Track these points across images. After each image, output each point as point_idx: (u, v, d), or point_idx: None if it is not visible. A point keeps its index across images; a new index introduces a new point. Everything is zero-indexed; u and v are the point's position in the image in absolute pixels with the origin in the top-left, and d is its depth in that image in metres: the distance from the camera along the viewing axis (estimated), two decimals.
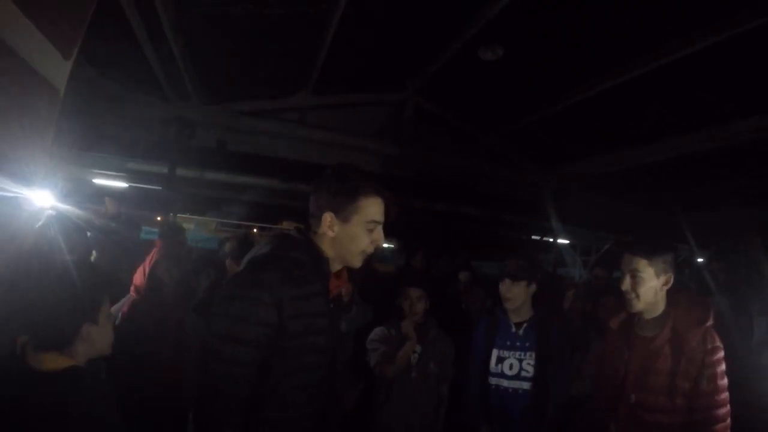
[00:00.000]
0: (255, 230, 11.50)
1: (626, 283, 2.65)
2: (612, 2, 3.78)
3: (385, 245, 9.13)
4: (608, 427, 2.76)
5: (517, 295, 3.52)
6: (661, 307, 2.70)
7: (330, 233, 2.12)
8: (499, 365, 3.60)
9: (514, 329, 3.61)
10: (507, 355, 3.58)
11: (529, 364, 3.53)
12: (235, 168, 6.07)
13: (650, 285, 2.63)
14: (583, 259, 10.49)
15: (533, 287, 3.60)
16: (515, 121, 6.27)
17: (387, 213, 2.18)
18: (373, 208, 2.12)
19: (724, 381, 2.53)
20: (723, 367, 2.54)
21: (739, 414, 2.62)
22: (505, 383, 3.57)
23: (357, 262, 2.21)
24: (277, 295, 1.97)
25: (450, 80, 5.51)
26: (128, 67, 4.64)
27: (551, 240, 8.91)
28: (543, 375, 3.44)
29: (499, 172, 7.22)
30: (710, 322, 2.57)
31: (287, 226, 10.47)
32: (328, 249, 2.16)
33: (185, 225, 9.57)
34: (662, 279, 2.64)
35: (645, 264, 2.62)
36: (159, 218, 7.89)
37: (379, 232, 2.17)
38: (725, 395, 2.52)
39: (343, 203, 2.10)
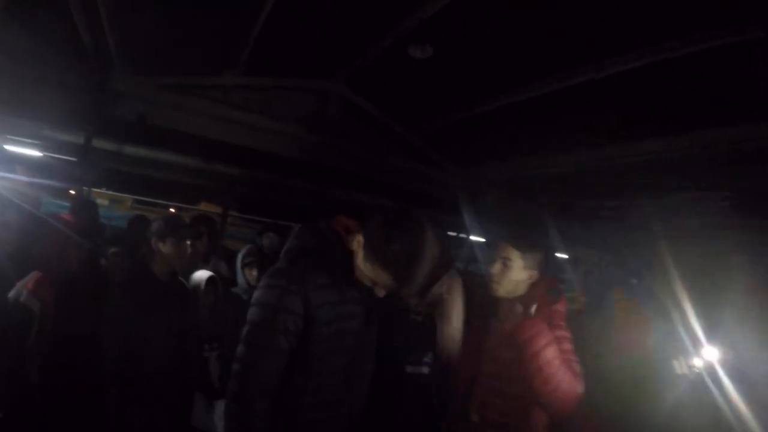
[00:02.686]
0: (172, 210, 11.22)
1: (496, 268, 2.83)
2: (539, 18, 3.96)
3: None
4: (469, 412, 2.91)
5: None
6: (519, 293, 2.88)
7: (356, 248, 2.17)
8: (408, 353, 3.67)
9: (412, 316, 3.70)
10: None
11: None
12: (154, 144, 5.93)
13: (516, 275, 2.82)
14: None
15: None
16: (438, 121, 6.39)
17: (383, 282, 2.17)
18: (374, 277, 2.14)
19: (571, 355, 2.70)
20: (568, 345, 2.72)
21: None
22: (407, 369, 3.65)
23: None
24: (303, 285, 2.13)
25: (378, 74, 5.56)
26: (52, 25, 4.43)
27: (465, 237, 9.09)
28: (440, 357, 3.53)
29: (418, 169, 7.31)
30: (559, 306, 2.80)
31: (206, 207, 10.33)
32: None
33: (99, 201, 9.29)
34: (528, 273, 2.83)
35: (517, 255, 2.81)
36: (72, 192, 7.65)
37: (376, 289, 2.18)
38: (566, 374, 2.63)
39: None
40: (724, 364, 2.24)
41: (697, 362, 2.78)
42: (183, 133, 5.62)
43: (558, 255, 8.41)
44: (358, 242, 2.15)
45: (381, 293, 2.18)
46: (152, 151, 6.18)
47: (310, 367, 2.17)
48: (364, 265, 2.13)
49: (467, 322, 3.21)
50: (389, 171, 6.96)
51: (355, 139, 6.65)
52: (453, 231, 9.57)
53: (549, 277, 3.81)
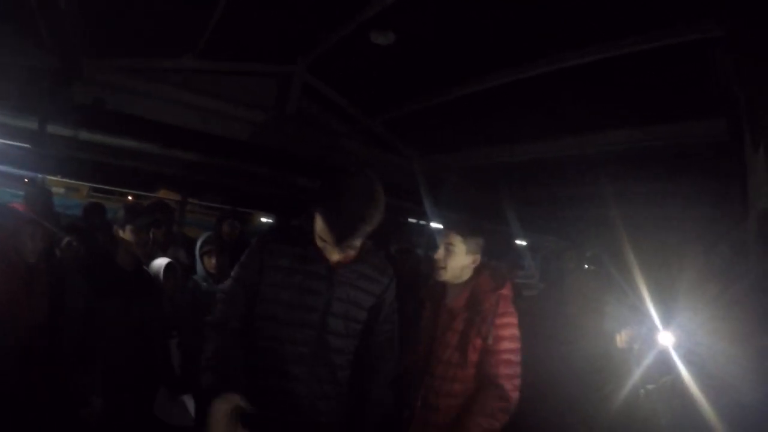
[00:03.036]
0: (130, 198, 11.01)
1: (440, 253, 2.93)
2: (501, 9, 4.02)
3: (264, 219, 9.04)
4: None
5: None
6: (464, 278, 2.97)
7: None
8: None
9: None
10: None
11: None
12: (112, 129, 5.79)
13: (460, 260, 2.92)
14: None
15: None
16: (399, 108, 6.42)
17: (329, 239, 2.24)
18: (319, 226, 2.23)
19: (513, 345, 2.79)
20: (513, 331, 2.81)
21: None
22: None
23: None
24: (265, 245, 2.37)
25: (340, 60, 5.56)
26: (5, 4, 4.24)
27: (426, 224, 9.15)
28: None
29: (379, 156, 7.34)
30: (504, 290, 2.85)
31: (165, 194, 10.16)
32: None
33: (55, 189, 9.08)
34: (471, 258, 2.94)
35: (459, 240, 2.90)
36: (26, 180, 7.47)
37: (327, 248, 2.30)
38: (511, 357, 2.76)
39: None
40: (678, 347, 2.30)
41: (637, 339, 2.87)
42: (141, 118, 5.48)
43: (517, 242, 8.52)
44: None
45: (333, 256, 2.32)
46: (110, 137, 6.03)
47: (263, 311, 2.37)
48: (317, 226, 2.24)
49: (421, 306, 3.27)
50: (350, 157, 6.93)
51: (316, 125, 6.63)
52: (414, 218, 9.63)
53: (497, 262, 3.92)
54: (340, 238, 2.18)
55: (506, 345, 2.75)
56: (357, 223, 2.17)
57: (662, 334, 2.48)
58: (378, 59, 5.22)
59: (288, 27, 4.94)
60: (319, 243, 2.27)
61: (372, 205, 2.20)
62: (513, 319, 2.83)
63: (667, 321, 2.52)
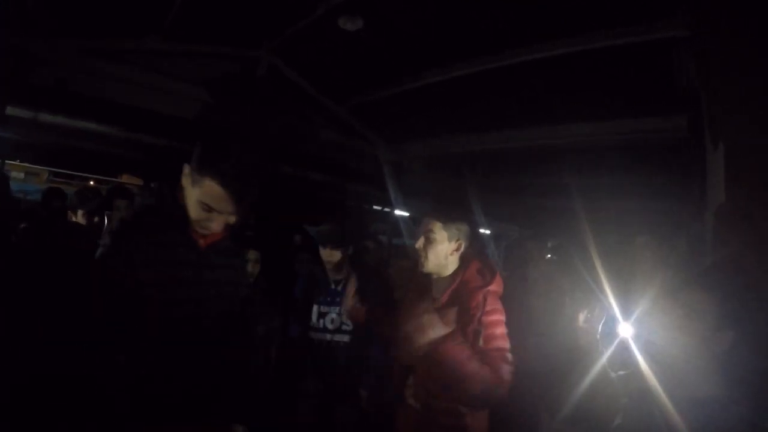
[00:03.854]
0: (92, 182, 10.82)
1: (420, 243, 2.85)
2: (468, 3, 4.05)
3: None
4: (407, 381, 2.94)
5: (339, 258, 3.69)
6: (450, 269, 2.90)
7: (183, 184, 2.09)
8: (321, 320, 3.77)
9: (333, 285, 3.78)
10: (328, 310, 3.76)
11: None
12: (73, 111, 5.68)
13: (441, 248, 2.85)
14: None
15: (350, 249, 3.79)
16: (366, 95, 6.43)
17: (228, 207, 2.08)
18: (213, 192, 2.02)
19: (504, 343, 2.76)
20: (503, 330, 2.78)
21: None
22: (327, 337, 3.73)
23: (195, 226, 2.16)
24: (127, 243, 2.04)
25: (307, 45, 5.53)
26: None
27: (390, 211, 9.18)
28: (362, 328, 3.59)
29: (345, 143, 7.36)
30: (492, 287, 2.79)
31: (128, 179, 10.02)
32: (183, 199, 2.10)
33: (14, 174, 8.89)
34: (454, 245, 2.87)
35: (439, 227, 2.84)
36: None
37: (213, 218, 2.10)
38: (506, 355, 2.74)
39: (194, 166, 2.05)
40: (637, 338, 2.34)
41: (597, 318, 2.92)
42: (103, 100, 5.41)
43: (481, 230, 8.59)
44: (185, 171, 2.09)
45: (215, 227, 2.14)
46: (71, 120, 5.91)
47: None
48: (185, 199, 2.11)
49: (400, 302, 3.24)
50: (316, 143, 6.93)
51: (282, 110, 6.59)
52: (379, 205, 9.65)
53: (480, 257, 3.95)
54: (240, 198, 2.03)
55: (499, 343, 2.72)
56: (255, 179, 2.05)
57: (622, 324, 2.52)
58: (346, 45, 5.22)
59: (254, 10, 4.90)
60: (200, 215, 2.09)
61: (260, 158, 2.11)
62: (502, 317, 2.79)
63: (626, 312, 2.56)
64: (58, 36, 4.96)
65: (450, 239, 2.85)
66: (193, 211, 2.07)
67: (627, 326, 2.44)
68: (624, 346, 2.42)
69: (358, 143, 7.43)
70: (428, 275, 2.98)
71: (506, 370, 2.67)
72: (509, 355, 2.74)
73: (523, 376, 3.35)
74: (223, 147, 2.06)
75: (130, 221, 2.19)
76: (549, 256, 5.45)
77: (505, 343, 2.76)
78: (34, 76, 5.02)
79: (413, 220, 10.43)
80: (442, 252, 2.85)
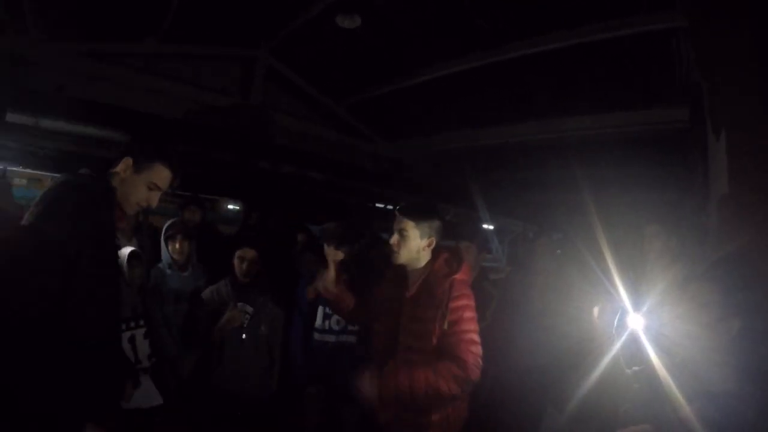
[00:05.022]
0: None
1: (394, 239, 2.94)
2: None
3: (231, 206, 8.98)
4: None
5: (341, 256, 3.68)
6: (422, 262, 2.98)
7: (122, 175, 2.36)
8: (326, 321, 3.76)
9: None
10: (333, 312, 3.73)
11: None
12: (74, 116, 5.67)
13: (414, 243, 2.92)
14: None
15: (355, 248, 3.79)
16: (365, 93, 6.46)
17: (170, 185, 2.48)
18: (162, 175, 2.42)
19: (471, 326, 2.78)
20: (470, 313, 2.80)
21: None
22: (331, 338, 3.72)
23: (129, 210, 2.44)
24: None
25: (305, 43, 5.55)
26: None
27: (392, 208, 9.18)
28: (368, 327, 3.58)
29: (344, 141, 7.34)
30: (459, 275, 2.85)
31: None
32: (116, 186, 2.36)
33: (17, 181, 8.86)
34: (426, 241, 2.94)
35: (411, 225, 2.91)
36: None
37: (156, 196, 2.46)
38: (472, 336, 2.76)
39: (143, 157, 2.39)
40: (647, 330, 2.32)
41: (606, 316, 2.91)
42: (103, 104, 5.39)
43: (484, 226, 8.59)
44: (124, 164, 2.36)
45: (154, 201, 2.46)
46: (71, 125, 5.90)
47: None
48: (124, 186, 2.37)
49: (381, 292, 3.26)
50: (315, 142, 6.93)
51: (280, 109, 6.60)
52: (379, 202, 9.65)
53: (469, 243, 3.95)
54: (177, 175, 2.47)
55: (465, 326, 2.75)
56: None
57: (632, 316, 2.51)
58: (344, 43, 5.22)
59: (251, 10, 4.91)
60: (152, 192, 2.43)
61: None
62: (469, 301, 2.84)
63: (637, 304, 2.55)
64: (55, 41, 4.96)
65: (422, 236, 2.94)
66: (138, 191, 2.39)
67: (638, 318, 2.43)
68: (636, 339, 2.41)
69: (357, 141, 7.43)
70: (404, 267, 3.06)
71: (473, 357, 2.71)
72: (476, 337, 2.78)
73: (529, 369, 3.36)
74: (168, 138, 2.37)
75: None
76: (555, 250, 5.44)
77: (472, 326, 2.80)
78: (33, 81, 5.00)
79: None
80: (414, 247, 2.93)
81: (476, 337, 2.76)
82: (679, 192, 5.76)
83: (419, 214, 2.94)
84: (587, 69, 4.63)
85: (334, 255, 3.66)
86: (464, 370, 2.64)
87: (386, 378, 2.77)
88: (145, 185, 2.38)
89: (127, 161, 2.35)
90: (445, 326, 2.73)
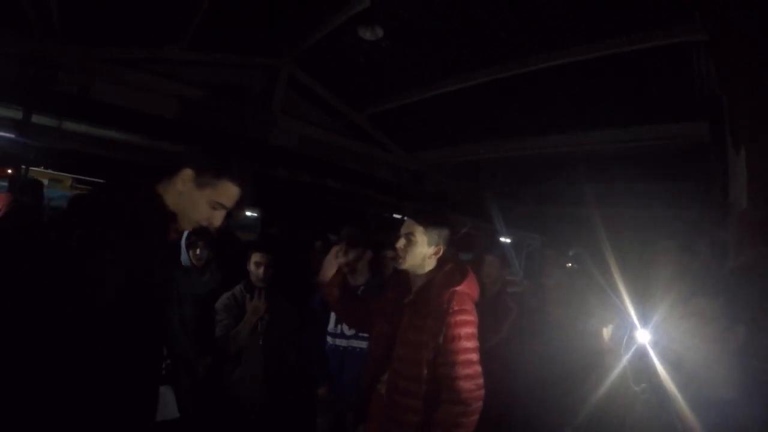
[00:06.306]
0: None
1: (400, 243, 2.84)
2: (490, 6, 4.07)
3: (249, 213, 9.02)
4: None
5: (353, 259, 3.69)
6: (426, 269, 2.88)
7: (180, 188, 2.09)
8: (339, 326, 3.75)
9: None
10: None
11: None
12: (96, 119, 5.75)
13: (420, 250, 2.82)
14: None
15: (369, 252, 3.78)
16: (386, 103, 6.47)
17: (236, 204, 2.19)
18: (229, 193, 2.13)
19: (469, 344, 2.66)
20: (468, 330, 2.68)
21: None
22: (343, 343, 3.72)
23: (186, 227, 2.21)
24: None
25: (327, 54, 5.58)
26: None
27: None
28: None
29: (364, 151, 7.37)
30: (461, 287, 2.78)
31: None
32: (170, 200, 2.12)
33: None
34: (433, 248, 2.84)
35: (420, 231, 2.82)
36: (9, 170, 7.40)
37: (221, 215, 2.19)
38: (470, 356, 2.65)
39: (208, 170, 2.10)
40: (655, 344, 2.31)
41: (617, 334, 2.88)
42: (126, 108, 5.45)
43: (502, 239, 8.54)
44: (184, 176, 2.08)
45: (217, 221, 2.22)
46: (94, 128, 5.98)
47: None
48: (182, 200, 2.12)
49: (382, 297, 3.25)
50: (335, 151, 6.96)
51: (302, 119, 6.63)
52: (398, 213, 9.64)
53: (493, 257, 3.93)
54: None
55: (462, 344, 2.63)
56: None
57: (640, 331, 2.49)
58: (365, 54, 5.25)
59: (275, 20, 4.96)
60: (216, 211, 2.17)
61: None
62: (469, 317, 2.71)
63: (645, 319, 2.53)
64: (81, 46, 5.03)
65: (430, 243, 2.84)
66: (200, 210, 2.14)
67: (645, 333, 2.41)
68: (644, 355, 2.39)
69: (377, 151, 7.44)
70: (406, 273, 3.02)
71: (469, 383, 2.63)
72: (473, 356, 2.66)
73: (539, 383, 3.34)
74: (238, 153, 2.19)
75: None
76: (570, 264, 5.41)
77: (469, 343, 2.65)
78: (58, 85, 5.09)
79: None
80: (420, 254, 2.84)
81: (473, 356, 2.63)
82: (697, 208, 5.72)
83: (429, 220, 2.86)
84: (606, 83, 4.62)
85: (344, 255, 3.68)
86: (465, 403, 2.55)
87: None
88: (207, 203, 2.12)
89: (187, 173, 2.06)
90: (440, 339, 2.68)
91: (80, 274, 1.84)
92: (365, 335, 3.67)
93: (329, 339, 3.79)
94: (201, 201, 2.11)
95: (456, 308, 2.68)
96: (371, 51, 5.13)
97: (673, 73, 4.16)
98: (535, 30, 4.22)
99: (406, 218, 2.96)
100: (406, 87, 5.92)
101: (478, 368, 2.65)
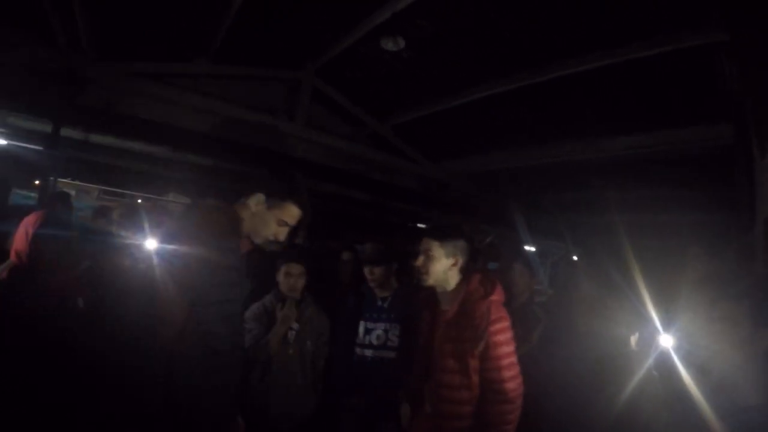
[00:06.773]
0: (140, 200, 11.01)
1: (420, 260, 2.95)
2: (510, 16, 4.08)
3: None
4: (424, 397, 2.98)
5: (379, 276, 3.75)
6: (452, 283, 2.97)
7: (253, 209, 2.56)
8: (367, 336, 3.77)
9: (379, 302, 3.80)
10: (374, 327, 3.77)
11: (395, 334, 3.75)
12: (122, 132, 5.82)
13: (440, 264, 2.93)
14: None
15: (394, 265, 3.82)
16: (409, 113, 6.48)
17: (298, 221, 2.64)
18: (292, 213, 2.60)
19: (509, 348, 2.79)
20: (507, 335, 2.80)
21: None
22: (370, 353, 3.74)
23: (258, 242, 2.64)
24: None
25: (350, 65, 5.61)
26: (18, 7, 4.32)
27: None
28: (408, 344, 3.60)
29: (388, 161, 7.36)
30: (494, 296, 2.85)
31: (174, 198, 10.22)
32: (246, 219, 2.55)
33: (65, 191, 9.13)
34: (451, 260, 2.94)
35: (437, 246, 2.93)
36: (37, 182, 7.51)
37: (285, 231, 2.62)
38: (511, 360, 2.78)
39: (276, 194, 2.57)
40: (678, 348, 2.30)
41: (643, 341, 2.88)
42: (152, 121, 5.51)
43: (527, 247, 8.51)
44: (256, 202, 2.56)
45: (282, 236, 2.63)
46: (120, 140, 6.07)
47: None
48: (254, 219, 2.57)
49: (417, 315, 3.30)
50: (359, 162, 6.97)
51: (325, 130, 6.66)
52: (422, 223, 9.64)
53: (522, 267, 3.96)
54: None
55: (504, 350, 2.75)
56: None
57: (663, 336, 2.49)
58: (388, 64, 5.27)
59: (298, 32, 4.99)
60: (282, 228, 2.59)
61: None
62: (506, 323, 2.83)
63: (668, 324, 2.52)
64: (108, 60, 5.12)
65: (447, 256, 2.94)
66: (269, 227, 2.58)
67: (669, 338, 2.41)
68: (668, 360, 2.38)
69: (400, 161, 7.44)
70: (433, 289, 3.07)
71: (513, 383, 2.74)
72: (514, 359, 2.80)
73: (555, 385, 3.33)
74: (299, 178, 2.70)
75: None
76: (594, 272, 5.38)
77: (509, 348, 2.81)
78: (85, 98, 5.15)
79: None
80: (441, 268, 2.94)
81: (514, 359, 2.79)
82: (723, 212, 5.65)
83: (443, 234, 2.96)
84: (629, 87, 4.56)
85: (369, 274, 3.75)
86: (511, 401, 2.71)
87: None
88: (275, 222, 2.57)
89: (259, 197, 2.56)
90: (482, 347, 2.74)
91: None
92: (393, 346, 3.70)
93: (357, 349, 3.81)
94: (271, 220, 2.58)
95: (494, 317, 2.80)
96: (393, 61, 5.14)
97: (696, 74, 4.11)
98: (556, 37, 4.20)
99: (421, 235, 3.06)
100: (428, 97, 5.93)
101: (518, 368, 2.81)
